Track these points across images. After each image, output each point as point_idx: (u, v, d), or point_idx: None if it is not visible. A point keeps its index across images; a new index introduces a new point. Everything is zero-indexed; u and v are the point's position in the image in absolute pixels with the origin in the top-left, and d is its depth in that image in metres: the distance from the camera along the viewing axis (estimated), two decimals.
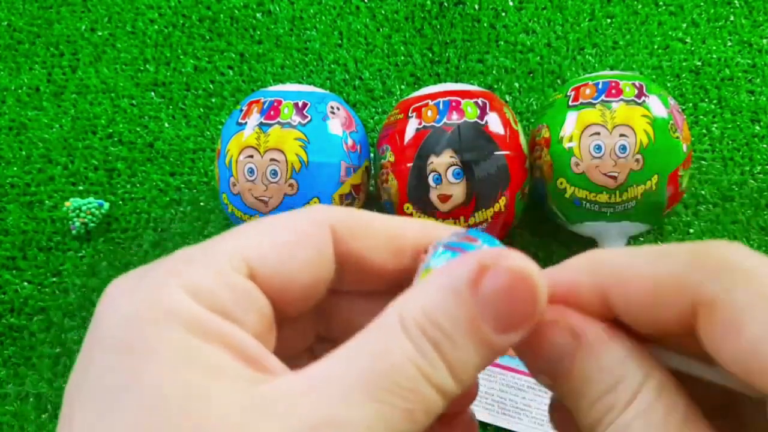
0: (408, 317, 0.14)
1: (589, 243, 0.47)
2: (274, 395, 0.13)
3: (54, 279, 0.52)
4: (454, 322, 0.14)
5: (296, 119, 0.43)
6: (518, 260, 0.15)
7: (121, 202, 0.53)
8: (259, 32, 0.57)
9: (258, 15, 0.57)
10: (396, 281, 0.18)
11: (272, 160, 0.42)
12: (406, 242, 0.18)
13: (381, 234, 0.17)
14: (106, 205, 0.52)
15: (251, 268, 0.15)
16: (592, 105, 0.43)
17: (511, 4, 0.56)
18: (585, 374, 0.15)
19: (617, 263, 0.16)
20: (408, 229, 0.18)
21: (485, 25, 0.56)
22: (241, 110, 0.45)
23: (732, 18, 0.55)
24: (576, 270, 0.16)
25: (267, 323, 0.16)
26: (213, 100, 0.55)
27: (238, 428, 0.13)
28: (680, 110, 0.45)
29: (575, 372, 0.15)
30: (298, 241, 0.16)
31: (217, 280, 0.15)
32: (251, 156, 0.43)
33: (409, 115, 0.44)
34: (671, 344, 0.16)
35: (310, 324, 0.20)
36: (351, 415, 0.13)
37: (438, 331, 0.14)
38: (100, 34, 0.57)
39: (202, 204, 0.53)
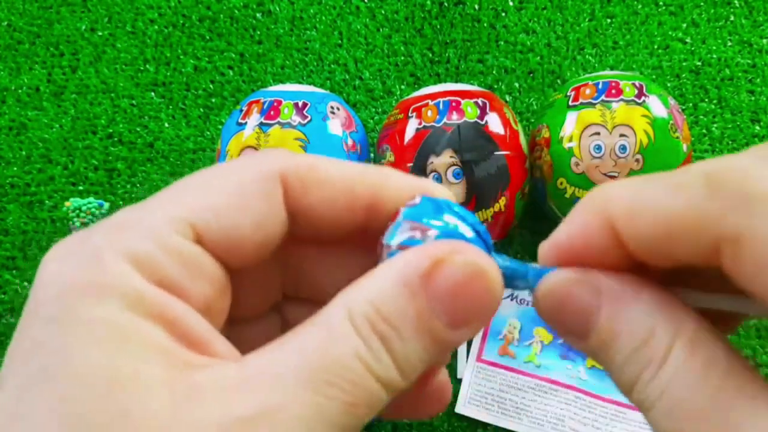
0: (356, 310, 0.14)
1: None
2: (207, 384, 0.13)
3: None
4: (404, 317, 0.14)
5: (296, 119, 0.43)
6: (473, 254, 0.14)
7: (121, 202, 0.53)
8: (259, 32, 0.57)
9: (258, 15, 0.57)
10: (357, 232, 0.17)
11: None
12: (360, 197, 0.16)
13: (335, 186, 0.16)
14: (106, 205, 0.52)
15: (197, 231, 0.14)
16: (592, 105, 0.43)
17: (511, 4, 0.56)
18: (613, 330, 0.14)
19: (626, 199, 0.14)
20: (363, 182, 0.16)
21: (485, 25, 0.56)
22: (241, 110, 0.45)
23: (732, 18, 0.55)
24: (584, 214, 0.15)
25: (218, 288, 0.15)
26: (213, 100, 0.55)
27: (164, 419, 0.12)
28: (680, 110, 0.45)
29: (603, 329, 0.14)
30: (245, 197, 0.15)
31: (161, 246, 0.14)
32: None
33: (409, 115, 0.44)
34: (696, 279, 0.15)
35: (272, 279, 0.19)
36: (286, 406, 0.12)
37: (386, 325, 0.14)
38: (100, 34, 0.57)
39: None
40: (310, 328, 0.14)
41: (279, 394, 0.13)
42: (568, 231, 0.15)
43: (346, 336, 0.13)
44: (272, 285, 0.19)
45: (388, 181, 0.16)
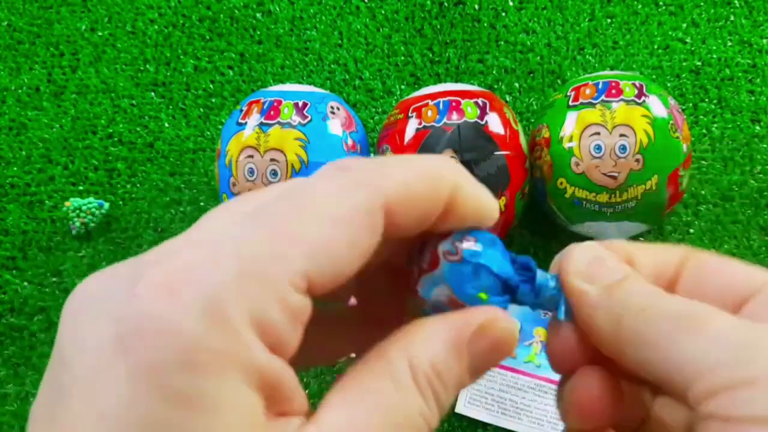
0: (418, 368, 0.15)
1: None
2: None
3: (54, 279, 0.52)
4: (451, 374, 0.16)
5: (296, 119, 0.43)
6: (508, 322, 0.17)
7: (121, 202, 0.53)
8: (259, 32, 0.57)
9: (258, 15, 0.57)
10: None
11: (272, 160, 0.42)
12: (439, 206, 0.17)
13: (423, 203, 0.16)
14: (106, 205, 0.52)
15: (310, 281, 0.14)
16: (592, 105, 0.43)
17: (511, 4, 0.56)
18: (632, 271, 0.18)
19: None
20: (442, 187, 0.17)
21: (485, 25, 0.56)
22: (241, 110, 0.45)
23: (732, 18, 0.55)
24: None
25: (302, 324, 0.15)
26: (213, 100, 0.55)
27: None
28: (680, 110, 0.45)
29: (624, 271, 0.18)
30: (355, 232, 0.15)
31: (283, 307, 0.14)
32: (251, 156, 0.43)
33: (409, 115, 0.44)
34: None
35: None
36: None
37: (441, 383, 0.16)
38: (100, 34, 0.57)
39: (202, 204, 0.53)
40: (378, 380, 0.15)
41: None
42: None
43: (413, 394, 0.15)
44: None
45: (462, 188, 0.17)
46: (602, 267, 0.18)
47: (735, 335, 0.15)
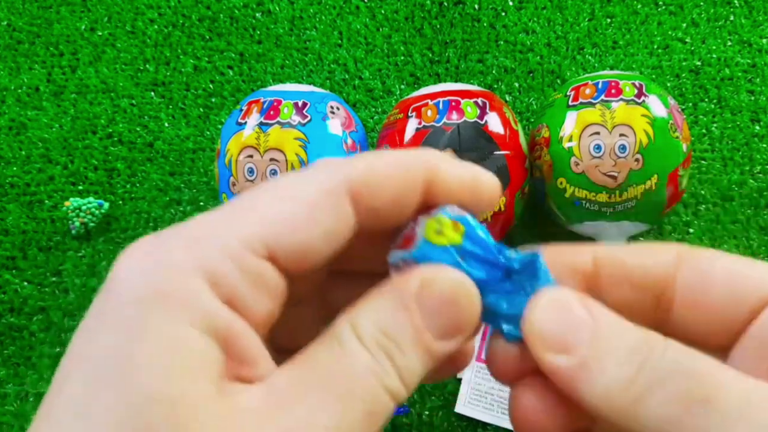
0: (364, 331, 0.15)
1: (589, 243, 0.47)
2: (246, 408, 0.14)
3: (54, 279, 0.52)
4: (403, 333, 0.16)
5: (296, 119, 0.43)
6: (456, 273, 0.16)
7: (121, 202, 0.53)
8: (259, 32, 0.57)
9: (258, 15, 0.57)
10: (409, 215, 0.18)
11: (272, 159, 0.42)
12: (417, 188, 0.17)
13: (395, 185, 0.17)
14: (106, 205, 0.52)
15: (269, 246, 0.15)
16: (592, 105, 0.43)
17: (511, 4, 0.56)
18: (609, 339, 0.16)
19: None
20: (418, 170, 0.17)
21: (485, 24, 0.56)
22: (241, 110, 0.45)
23: (732, 18, 0.55)
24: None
25: (279, 300, 0.16)
26: (213, 100, 0.55)
27: None
28: (680, 110, 0.45)
29: (599, 339, 0.16)
30: (315, 210, 0.16)
31: (235, 264, 0.15)
32: (251, 156, 0.43)
33: (409, 114, 0.44)
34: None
35: (322, 270, 0.20)
36: (314, 420, 0.14)
37: (390, 341, 0.15)
38: (100, 34, 0.57)
39: (202, 204, 0.53)
40: (324, 347, 0.15)
41: (305, 410, 0.14)
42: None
43: (360, 354, 0.15)
44: (321, 274, 0.20)
45: (441, 169, 0.17)
46: (571, 324, 0.16)
47: (755, 409, 0.14)
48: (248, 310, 0.15)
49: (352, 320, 0.16)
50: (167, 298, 0.14)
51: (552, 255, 0.18)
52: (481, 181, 0.18)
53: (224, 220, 0.15)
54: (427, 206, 0.18)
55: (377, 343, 0.15)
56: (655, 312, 0.18)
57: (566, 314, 0.16)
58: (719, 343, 0.17)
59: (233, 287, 0.15)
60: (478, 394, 0.46)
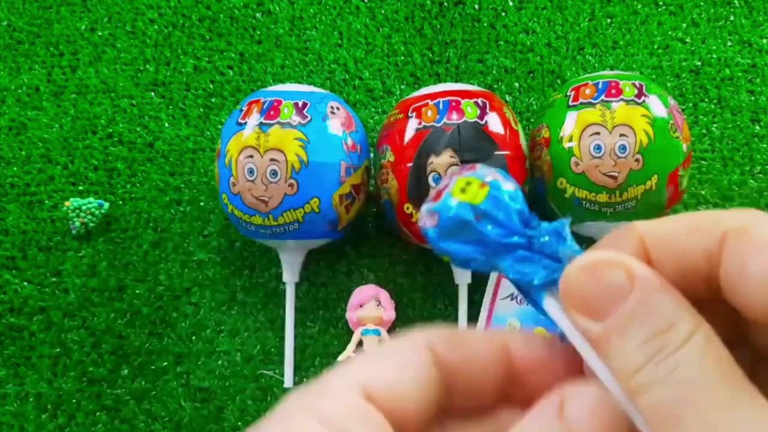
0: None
1: (589, 243, 0.47)
2: None
3: (54, 279, 0.52)
4: None
5: (296, 119, 0.43)
6: (593, 389, 0.16)
7: (121, 202, 0.53)
8: (259, 32, 0.57)
9: (258, 15, 0.57)
10: (499, 395, 0.19)
11: (272, 160, 0.42)
12: (495, 357, 0.19)
13: (473, 346, 0.18)
14: (106, 205, 0.52)
15: (369, 395, 0.17)
16: (592, 105, 0.43)
17: (511, 4, 0.56)
18: (637, 316, 0.15)
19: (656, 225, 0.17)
20: (494, 343, 0.19)
21: (485, 25, 0.56)
22: (241, 110, 0.45)
23: (732, 18, 0.55)
24: (620, 236, 0.17)
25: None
26: (213, 100, 0.55)
27: None
28: (680, 110, 0.45)
29: (627, 312, 0.15)
30: (403, 362, 0.18)
31: (345, 407, 0.16)
32: (251, 156, 0.43)
33: (409, 115, 0.44)
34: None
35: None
36: None
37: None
38: (100, 34, 0.57)
39: (202, 204, 0.53)
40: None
41: None
42: (606, 246, 0.18)
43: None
44: None
45: (516, 341, 0.19)
46: (603, 287, 0.16)
47: None
48: None
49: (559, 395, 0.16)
50: None
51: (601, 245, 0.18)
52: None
53: (326, 381, 0.17)
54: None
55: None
56: (708, 285, 0.17)
57: (603, 278, 0.16)
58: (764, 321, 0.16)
59: (345, 424, 0.16)
60: None
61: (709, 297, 0.16)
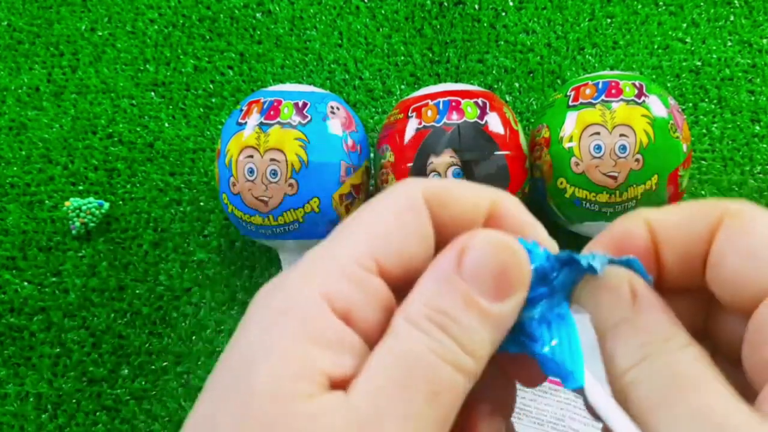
0: (415, 315, 0.16)
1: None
2: (324, 411, 0.15)
3: (54, 279, 0.52)
4: (453, 304, 0.16)
5: (296, 119, 0.43)
6: (491, 233, 0.17)
7: (121, 202, 0.53)
8: (259, 32, 0.57)
9: (258, 15, 0.57)
10: None
11: (272, 160, 0.42)
12: (482, 212, 0.19)
13: (464, 202, 0.18)
14: (106, 205, 0.52)
15: (378, 261, 0.16)
16: (592, 105, 0.43)
17: (511, 4, 0.56)
18: (638, 326, 0.17)
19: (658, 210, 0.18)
20: (483, 198, 0.19)
21: (485, 25, 0.56)
22: (241, 110, 0.45)
23: (732, 18, 0.55)
24: (628, 223, 0.19)
25: (387, 316, 0.17)
26: (213, 100, 0.55)
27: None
28: (680, 110, 0.45)
29: (629, 323, 0.17)
30: (405, 221, 0.17)
31: (350, 282, 0.16)
32: (251, 156, 0.43)
33: (409, 115, 0.44)
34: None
35: None
36: (382, 418, 0.14)
37: (441, 315, 0.16)
38: (100, 34, 0.57)
39: (202, 204, 0.53)
40: (384, 345, 0.16)
41: (372, 408, 0.14)
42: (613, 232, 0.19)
43: (412, 335, 0.15)
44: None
45: (504, 201, 0.19)
46: (616, 297, 0.17)
47: None
48: (362, 323, 0.16)
49: (403, 311, 0.16)
50: (285, 315, 0.15)
51: (608, 237, 0.19)
52: (532, 225, 0.20)
53: (334, 247, 0.17)
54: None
55: (429, 320, 0.15)
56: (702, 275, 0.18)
57: (614, 291, 0.17)
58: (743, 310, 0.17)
59: (350, 303, 0.16)
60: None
61: (704, 284, 0.18)
